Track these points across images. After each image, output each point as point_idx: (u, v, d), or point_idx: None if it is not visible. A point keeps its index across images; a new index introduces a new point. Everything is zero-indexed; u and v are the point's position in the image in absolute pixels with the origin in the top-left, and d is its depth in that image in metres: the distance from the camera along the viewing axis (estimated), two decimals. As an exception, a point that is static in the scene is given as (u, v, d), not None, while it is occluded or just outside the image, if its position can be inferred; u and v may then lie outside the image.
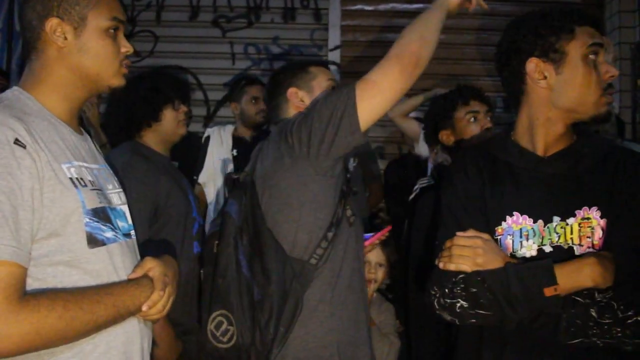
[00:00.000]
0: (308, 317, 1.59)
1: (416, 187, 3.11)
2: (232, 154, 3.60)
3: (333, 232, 1.62)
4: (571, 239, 1.37)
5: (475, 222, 1.43)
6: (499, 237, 1.44)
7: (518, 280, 1.30)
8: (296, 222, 1.61)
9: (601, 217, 1.37)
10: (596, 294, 1.28)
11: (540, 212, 1.42)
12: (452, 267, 1.37)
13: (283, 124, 1.73)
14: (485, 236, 1.39)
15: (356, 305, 1.68)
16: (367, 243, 2.02)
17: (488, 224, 1.44)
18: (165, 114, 2.29)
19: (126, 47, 1.34)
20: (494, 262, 1.35)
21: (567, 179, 1.42)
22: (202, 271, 1.76)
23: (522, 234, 1.42)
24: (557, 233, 1.39)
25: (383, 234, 2.13)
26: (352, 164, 3.84)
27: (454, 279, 1.37)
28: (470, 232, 1.39)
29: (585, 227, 1.37)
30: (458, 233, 1.39)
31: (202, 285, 1.74)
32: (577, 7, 1.55)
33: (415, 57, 1.56)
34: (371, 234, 2.12)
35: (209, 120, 4.56)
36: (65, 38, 1.26)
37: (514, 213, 1.43)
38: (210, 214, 3.56)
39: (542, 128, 1.46)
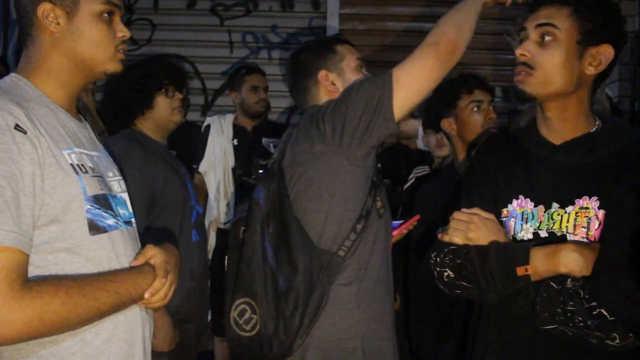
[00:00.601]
0: (334, 309, 1.57)
1: (411, 176, 3.12)
2: (233, 144, 3.59)
3: (362, 224, 1.59)
4: (566, 227, 1.37)
5: (484, 202, 1.48)
6: (504, 219, 1.47)
7: (496, 257, 1.35)
8: (325, 212, 1.58)
9: (599, 208, 1.34)
10: (568, 281, 1.28)
11: (542, 197, 1.42)
12: (445, 238, 1.44)
13: (315, 110, 1.68)
14: (486, 214, 1.43)
15: (383, 299, 1.65)
16: (395, 233, 1.99)
17: (496, 206, 1.48)
18: (158, 101, 2.27)
19: (122, 32, 1.32)
20: (485, 239, 1.39)
21: (577, 167, 1.40)
22: (226, 257, 1.77)
23: (523, 217, 1.44)
24: (553, 220, 1.39)
25: (412, 222, 2.08)
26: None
27: (445, 250, 1.45)
28: (474, 210, 1.43)
29: (582, 217, 1.35)
30: (462, 209, 1.45)
31: (227, 271, 1.73)
32: None
33: (451, 45, 1.55)
34: (399, 222, 2.08)
35: (206, 109, 4.54)
36: (58, 23, 1.24)
37: (519, 196, 1.45)
38: (212, 203, 3.56)
39: (555, 116, 1.46)
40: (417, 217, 2.10)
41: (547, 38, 1.39)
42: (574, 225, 1.36)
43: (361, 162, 1.59)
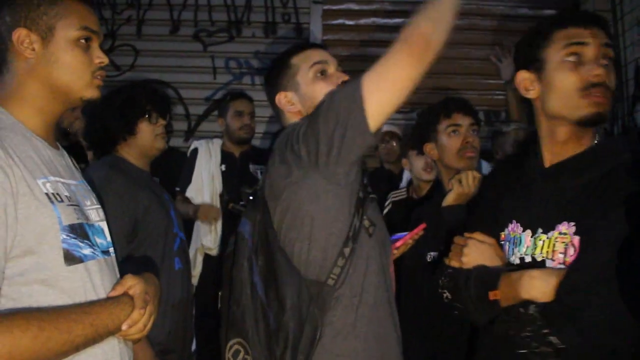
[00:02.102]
0: (331, 341, 1.45)
1: (388, 201, 3.12)
2: (221, 169, 3.57)
3: (350, 247, 1.47)
4: (546, 252, 1.36)
5: (484, 226, 1.50)
6: (502, 243, 1.49)
7: (474, 281, 1.40)
8: (308, 239, 1.47)
9: (574, 234, 1.32)
10: (531, 307, 1.27)
11: (530, 222, 1.41)
12: (446, 261, 1.51)
13: (286, 133, 1.56)
14: (483, 238, 1.46)
15: (383, 322, 1.53)
16: (398, 244, 1.92)
17: (496, 230, 1.50)
18: (141, 127, 2.24)
19: (100, 58, 1.30)
20: (475, 262, 1.45)
21: (562, 191, 1.39)
22: (219, 294, 1.67)
23: (514, 242, 1.45)
24: (536, 245, 1.39)
25: (417, 232, 1.99)
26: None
27: (446, 272, 1.51)
28: (474, 235, 1.47)
29: (560, 242, 1.34)
30: (465, 234, 1.49)
31: (220, 310, 1.65)
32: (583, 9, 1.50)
33: (424, 40, 1.39)
34: (404, 233, 2.00)
35: (190, 134, 4.53)
36: (33, 49, 1.23)
37: (513, 221, 1.46)
38: (199, 228, 3.52)
39: (544, 138, 1.45)
40: (423, 225, 2.00)
41: (610, 57, 1.37)
42: (552, 251, 1.35)
43: (342, 180, 1.47)
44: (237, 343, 1.50)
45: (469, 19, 4.67)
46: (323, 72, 1.63)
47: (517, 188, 1.49)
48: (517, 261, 1.42)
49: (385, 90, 1.40)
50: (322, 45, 1.80)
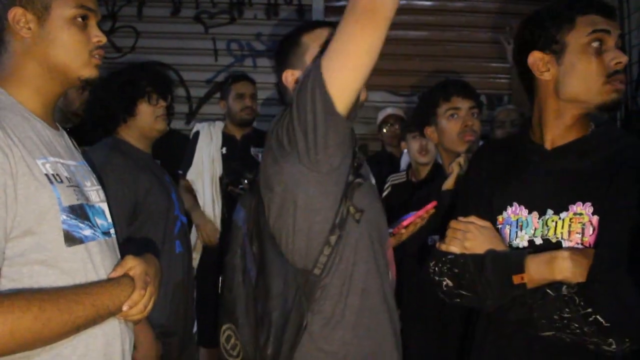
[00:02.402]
0: (318, 331, 1.42)
1: (387, 184, 3.12)
2: (222, 152, 3.56)
3: (337, 235, 1.42)
4: (561, 233, 1.37)
5: (480, 210, 1.49)
6: (499, 227, 1.48)
7: (492, 266, 1.36)
8: (292, 228, 1.44)
9: (593, 214, 1.34)
10: (564, 288, 1.28)
11: (536, 204, 1.42)
12: (443, 247, 1.46)
13: (275, 119, 1.52)
14: (482, 222, 1.45)
15: (375, 311, 1.47)
16: (405, 223, 1.85)
17: (492, 213, 1.49)
18: (140, 108, 2.23)
19: (98, 37, 1.29)
20: (481, 247, 1.41)
21: (570, 172, 1.40)
22: (220, 278, 1.71)
23: (517, 225, 1.44)
24: (547, 226, 1.39)
25: (427, 210, 1.89)
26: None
27: (443, 259, 1.46)
28: (471, 218, 1.45)
29: (576, 223, 1.35)
30: (459, 218, 1.47)
31: (220, 293, 1.68)
32: None
33: (370, 5, 1.29)
34: (412, 213, 1.92)
35: (191, 117, 4.52)
36: (29, 28, 1.22)
37: (514, 204, 1.45)
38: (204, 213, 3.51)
39: (550, 120, 1.45)
40: (434, 203, 1.90)
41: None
42: (569, 232, 1.36)
43: (324, 167, 1.41)
44: (229, 328, 1.50)
45: (469, 1, 4.64)
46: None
47: (512, 170, 1.49)
48: (525, 244, 1.42)
49: (345, 68, 1.33)
50: (334, 25, 1.76)
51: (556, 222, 1.37)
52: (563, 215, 1.37)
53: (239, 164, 3.34)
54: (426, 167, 2.92)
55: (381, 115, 3.83)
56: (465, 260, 1.42)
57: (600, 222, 1.33)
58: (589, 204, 1.34)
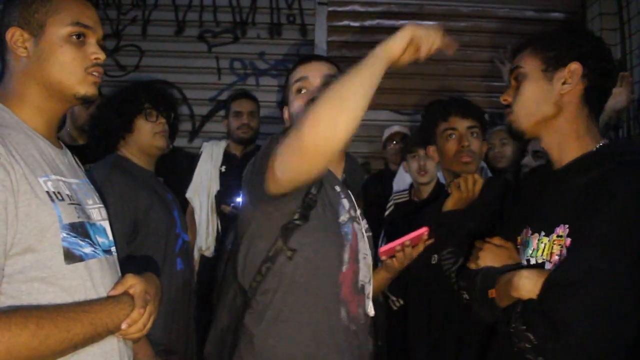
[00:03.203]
0: (243, 347, 1.54)
1: (390, 203, 3.10)
2: (220, 170, 3.57)
3: (267, 266, 1.49)
4: (547, 254, 1.39)
5: (507, 231, 1.57)
6: (519, 247, 1.53)
7: (481, 281, 1.47)
8: (243, 250, 1.55)
9: (567, 236, 1.34)
10: (519, 305, 1.31)
11: (537, 226, 1.44)
12: (468, 264, 1.57)
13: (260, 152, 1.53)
14: (501, 242, 1.53)
15: (298, 338, 1.48)
16: (382, 250, 1.71)
17: (515, 235, 1.55)
18: (138, 124, 2.22)
19: (95, 54, 1.29)
20: (487, 264, 1.51)
21: (565, 194, 1.41)
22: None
23: (525, 245, 1.49)
24: (538, 248, 1.42)
25: (419, 237, 1.71)
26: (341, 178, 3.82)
27: (464, 274, 1.59)
28: (494, 239, 1.55)
29: (557, 245, 1.36)
30: (486, 239, 1.55)
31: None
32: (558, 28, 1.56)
33: (302, 143, 1.23)
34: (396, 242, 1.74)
35: (194, 135, 4.53)
36: (26, 47, 1.23)
37: (527, 225, 1.50)
38: (199, 231, 3.52)
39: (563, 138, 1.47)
40: (425, 229, 1.72)
41: (519, 79, 1.48)
42: (550, 253, 1.38)
43: (273, 208, 1.46)
44: None
45: (472, 21, 4.67)
46: (300, 90, 1.63)
47: (536, 193, 1.54)
48: (525, 263, 1.45)
49: (283, 169, 1.32)
50: (316, 57, 1.75)
51: (545, 244, 1.40)
52: (551, 237, 1.39)
53: (234, 182, 3.34)
54: (427, 186, 2.91)
55: (387, 133, 3.84)
56: (473, 275, 1.51)
57: (570, 244, 1.33)
58: (567, 226, 1.35)
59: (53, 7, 1.25)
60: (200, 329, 2.75)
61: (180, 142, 4.37)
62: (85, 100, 1.29)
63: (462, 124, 2.14)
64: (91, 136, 2.34)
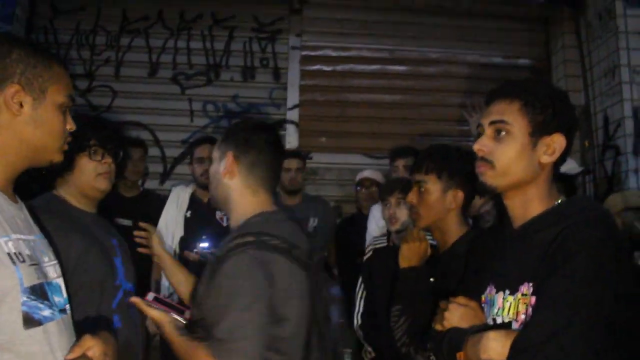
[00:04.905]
0: None
1: (369, 248, 3.08)
2: (186, 215, 3.49)
3: None
4: (512, 313, 1.37)
5: (470, 290, 1.54)
6: (484, 305, 1.50)
7: (447, 343, 1.44)
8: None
9: (532, 294, 1.33)
10: None
11: (501, 284, 1.43)
12: (433, 325, 1.53)
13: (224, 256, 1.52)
14: (465, 301, 1.49)
15: None
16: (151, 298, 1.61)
17: (479, 293, 1.52)
18: (80, 163, 1.95)
19: (70, 124, 1.35)
20: (459, 325, 1.47)
21: (526, 251, 1.40)
22: None
23: (489, 304, 1.46)
24: (503, 307, 1.40)
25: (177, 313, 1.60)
26: (312, 224, 3.81)
27: (432, 336, 1.54)
28: (458, 298, 1.50)
29: (522, 304, 1.35)
30: (450, 298, 1.51)
31: None
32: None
33: None
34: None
35: (165, 177, 4.49)
36: (22, 106, 1.23)
37: (490, 283, 1.48)
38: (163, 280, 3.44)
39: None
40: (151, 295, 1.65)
41: (502, 133, 1.41)
42: (516, 312, 1.36)
43: None
44: None
45: (442, 66, 4.78)
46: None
47: (498, 251, 1.52)
48: (490, 323, 1.43)
49: None
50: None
51: (510, 303, 1.38)
52: (515, 295, 1.38)
53: (199, 228, 3.28)
54: (401, 234, 2.90)
55: (358, 177, 3.86)
56: (440, 337, 1.47)
57: (534, 304, 1.32)
58: (531, 284, 1.34)
59: (55, 76, 1.28)
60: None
61: (152, 184, 4.34)
62: (51, 165, 1.33)
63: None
64: (25, 172, 2.07)
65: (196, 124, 4.54)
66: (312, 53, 4.71)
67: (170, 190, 3.71)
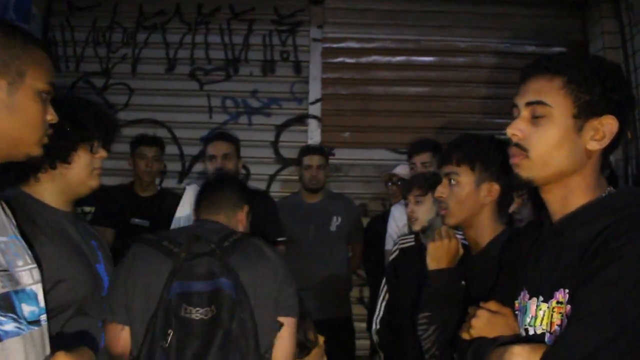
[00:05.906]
0: None
1: (395, 247, 2.91)
2: None
3: None
4: (547, 324, 1.18)
5: (504, 294, 1.37)
6: (516, 312, 1.31)
7: (471, 355, 1.30)
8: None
9: (568, 303, 1.13)
10: None
11: (534, 290, 1.24)
12: (460, 333, 1.38)
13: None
14: (496, 308, 1.31)
15: None
16: None
17: (513, 298, 1.33)
18: (80, 156, 1.66)
19: (51, 115, 1.20)
20: (490, 333, 1.29)
21: (563, 251, 1.19)
22: None
23: (522, 311, 1.27)
24: (537, 315, 1.21)
25: None
26: (335, 222, 3.65)
27: (457, 346, 1.41)
28: (489, 304, 1.32)
29: (557, 313, 1.15)
30: (480, 303, 1.33)
31: None
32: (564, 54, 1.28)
33: None
34: None
35: (184, 175, 4.36)
36: None
37: (524, 288, 1.28)
38: None
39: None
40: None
41: (539, 117, 1.20)
42: (550, 323, 1.17)
43: None
44: None
45: (471, 56, 4.56)
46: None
47: (533, 251, 1.30)
48: (523, 333, 1.25)
49: None
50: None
51: (544, 312, 1.19)
52: (550, 303, 1.18)
53: None
54: (427, 233, 2.72)
55: (386, 173, 3.69)
56: (465, 348, 1.33)
57: (570, 314, 1.12)
58: (567, 290, 1.13)
59: (34, 58, 1.15)
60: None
61: (170, 182, 4.22)
62: (29, 160, 1.20)
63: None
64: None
65: (215, 121, 4.40)
66: (334, 45, 4.54)
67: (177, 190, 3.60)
